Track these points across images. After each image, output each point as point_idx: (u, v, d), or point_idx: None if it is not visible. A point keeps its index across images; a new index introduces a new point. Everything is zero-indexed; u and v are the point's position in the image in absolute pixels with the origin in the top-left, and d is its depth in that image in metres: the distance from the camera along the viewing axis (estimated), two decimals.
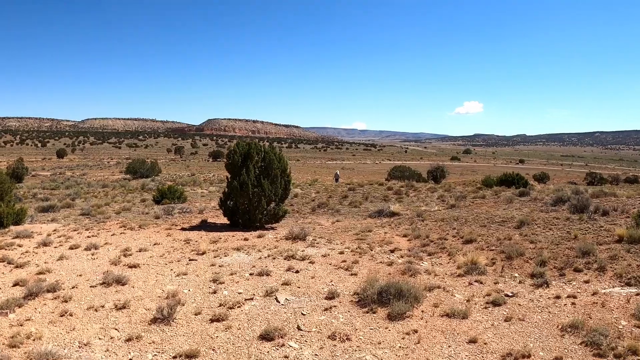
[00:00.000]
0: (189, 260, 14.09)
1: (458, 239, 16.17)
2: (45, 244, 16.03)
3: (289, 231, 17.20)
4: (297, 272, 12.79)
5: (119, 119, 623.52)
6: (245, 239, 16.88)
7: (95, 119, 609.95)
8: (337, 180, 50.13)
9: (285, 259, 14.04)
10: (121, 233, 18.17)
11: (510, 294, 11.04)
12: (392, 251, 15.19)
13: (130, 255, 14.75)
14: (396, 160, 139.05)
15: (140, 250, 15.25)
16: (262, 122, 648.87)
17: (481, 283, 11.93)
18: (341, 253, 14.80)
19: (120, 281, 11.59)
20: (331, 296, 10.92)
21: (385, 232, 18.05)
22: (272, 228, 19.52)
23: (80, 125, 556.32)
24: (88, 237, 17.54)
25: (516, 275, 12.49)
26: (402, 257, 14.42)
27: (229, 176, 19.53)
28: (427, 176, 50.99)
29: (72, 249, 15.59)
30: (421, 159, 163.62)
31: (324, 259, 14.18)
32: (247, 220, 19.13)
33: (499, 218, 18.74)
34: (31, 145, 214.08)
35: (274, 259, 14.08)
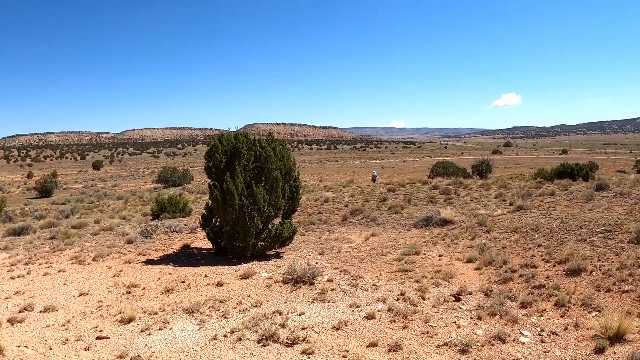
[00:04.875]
0: (96, 338, 8.56)
1: (553, 266, 10.61)
2: None
3: (289, 268, 11.39)
4: None
5: (157, 129, 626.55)
6: (219, 284, 11.20)
7: (134, 130, 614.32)
8: (374, 180, 45.51)
9: (259, 341, 8.08)
10: (59, 270, 13.16)
11: None
12: (457, 298, 9.45)
13: (21, 322, 9.41)
14: (437, 156, 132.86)
15: (45, 310, 9.97)
16: (300, 125, 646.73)
17: None
18: (370, 317, 8.84)
19: None
20: None
21: (439, 255, 12.57)
22: (278, 255, 14.05)
23: (119, 137, 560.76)
24: (11, 278, 12.63)
25: None
26: (479, 317, 8.57)
27: (211, 183, 13.99)
28: (472, 171, 47.32)
29: None
30: (462, 154, 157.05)
31: (335, 336, 8.16)
32: (236, 248, 13.58)
33: (596, 225, 13.14)
34: (70, 159, 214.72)
35: (239, 340, 8.17)
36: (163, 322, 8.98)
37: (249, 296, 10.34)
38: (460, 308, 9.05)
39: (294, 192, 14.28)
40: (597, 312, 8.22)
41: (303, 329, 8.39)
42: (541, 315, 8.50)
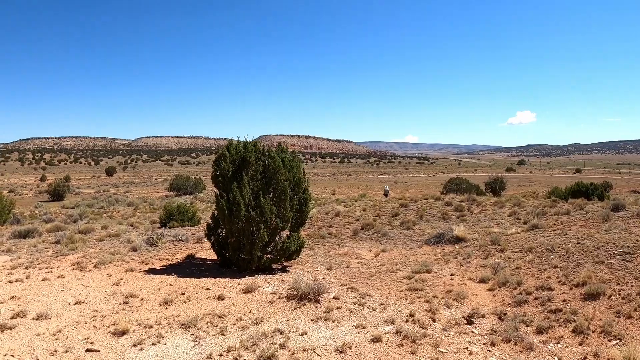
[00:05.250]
0: (86, 350, 8.12)
1: (570, 289, 10.11)
2: None
3: (294, 284, 10.85)
4: None
5: (172, 137, 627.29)
6: (220, 298, 10.69)
7: (149, 137, 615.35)
8: (386, 195, 45.13)
9: None
10: (59, 276, 12.80)
11: None
12: (469, 321, 8.92)
13: (11, 329, 9.03)
14: (450, 172, 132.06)
15: (37, 317, 9.59)
16: (314, 138, 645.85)
17: None
18: (376, 340, 8.25)
19: None
20: None
21: (451, 274, 12.11)
22: (284, 268, 13.58)
23: (134, 144, 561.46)
24: (9, 282, 12.31)
25: None
26: (492, 343, 8.01)
27: (217, 193, 13.58)
28: (485, 188, 46.87)
29: None
30: (475, 170, 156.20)
31: None
32: (240, 260, 13.10)
33: (614, 247, 12.63)
34: (84, 164, 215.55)
35: None
36: (157, 337, 8.53)
37: (250, 312, 9.84)
38: (473, 332, 8.54)
39: (302, 205, 13.81)
40: (617, 341, 7.72)
41: (304, 350, 7.87)
42: (558, 343, 7.97)
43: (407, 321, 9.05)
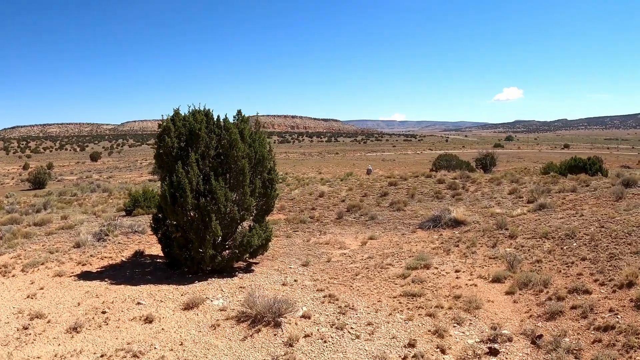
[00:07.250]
0: None
1: (613, 291, 7.80)
2: None
3: (247, 299, 7.93)
4: None
5: (158, 120, 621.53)
6: (148, 320, 7.97)
7: (135, 121, 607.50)
8: (369, 174, 43.63)
9: None
10: None
11: None
12: (492, 350, 6.35)
13: None
14: (438, 149, 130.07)
15: None
16: (300, 117, 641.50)
17: None
18: None
19: None
20: None
21: (455, 270, 9.75)
22: (248, 267, 11.04)
23: (120, 129, 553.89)
24: None
25: None
26: None
27: (162, 175, 10.92)
28: (476, 164, 45.30)
29: None
30: (463, 147, 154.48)
31: None
32: (189, 261, 10.42)
33: None
34: (70, 150, 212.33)
35: None
36: None
37: (181, 345, 7.06)
38: None
39: (267, 188, 11.05)
40: None
41: None
42: None
43: (405, 357, 6.41)
